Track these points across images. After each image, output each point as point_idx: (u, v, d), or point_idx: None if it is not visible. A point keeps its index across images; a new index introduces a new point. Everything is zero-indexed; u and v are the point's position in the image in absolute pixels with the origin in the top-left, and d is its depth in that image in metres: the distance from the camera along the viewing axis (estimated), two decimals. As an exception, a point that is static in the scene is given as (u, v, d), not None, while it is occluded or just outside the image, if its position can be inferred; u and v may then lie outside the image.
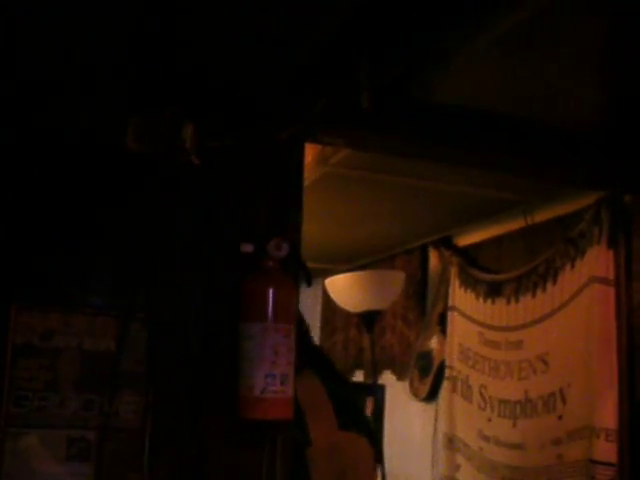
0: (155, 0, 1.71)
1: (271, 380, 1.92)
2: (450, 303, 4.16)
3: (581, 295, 3.10)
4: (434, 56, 2.01)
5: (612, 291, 2.95)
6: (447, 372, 4.14)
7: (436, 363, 4.33)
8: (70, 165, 2.00)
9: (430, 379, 4.39)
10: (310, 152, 2.78)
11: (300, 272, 2.12)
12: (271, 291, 1.95)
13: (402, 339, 4.71)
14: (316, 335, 6.08)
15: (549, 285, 3.35)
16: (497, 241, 3.89)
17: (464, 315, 4.00)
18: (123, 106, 1.97)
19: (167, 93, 1.98)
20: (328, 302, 5.45)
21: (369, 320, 3.74)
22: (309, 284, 2.12)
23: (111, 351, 1.98)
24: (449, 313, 4.16)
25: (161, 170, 1.93)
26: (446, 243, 4.30)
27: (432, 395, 4.40)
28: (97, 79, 1.99)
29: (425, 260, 4.57)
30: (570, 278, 3.20)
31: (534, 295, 3.44)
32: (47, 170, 1.98)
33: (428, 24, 1.86)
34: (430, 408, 4.42)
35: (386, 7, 1.81)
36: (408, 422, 4.71)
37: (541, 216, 3.52)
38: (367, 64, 1.95)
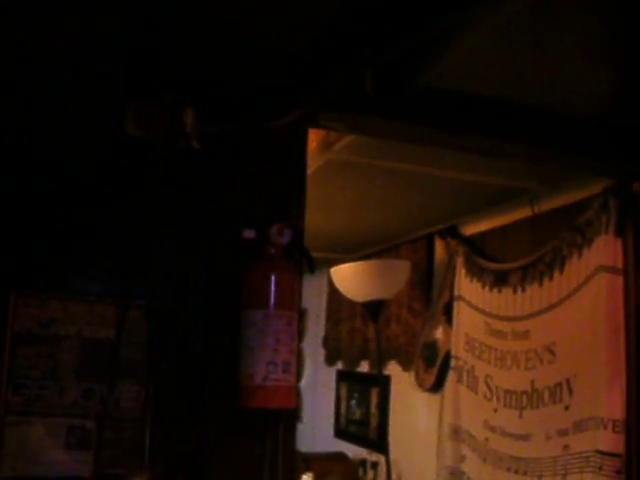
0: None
1: (273, 368, 1.90)
2: (456, 293, 4.13)
3: (589, 284, 3.07)
4: (438, 39, 1.99)
5: (620, 280, 2.92)
6: (453, 362, 4.12)
7: (442, 353, 4.31)
8: (68, 151, 1.97)
9: (435, 369, 4.37)
10: (314, 138, 2.76)
11: (303, 259, 2.09)
12: (273, 278, 1.93)
13: (407, 329, 4.69)
14: (322, 325, 6.09)
15: (556, 274, 3.31)
16: (503, 230, 3.86)
17: (470, 305, 3.97)
18: (122, 92, 1.94)
19: (166, 79, 1.96)
20: (333, 292, 5.45)
21: (374, 310, 3.72)
22: (312, 271, 2.09)
23: (111, 339, 1.96)
24: (455, 303, 4.14)
25: (162, 155, 1.90)
26: (452, 232, 4.28)
27: (437, 385, 4.38)
28: (95, 67, 1.96)
29: (431, 249, 4.55)
30: (577, 267, 3.17)
31: (541, 284, 3.41)
32: (45, 157, 1.96)
33: (432, 7, 1.83)
34: (435, 399, 4.40)
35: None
36: (413, 413, 4.70)
37: (548, 205, 3.49)
38: (370, 47, 1.92)
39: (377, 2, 1.81)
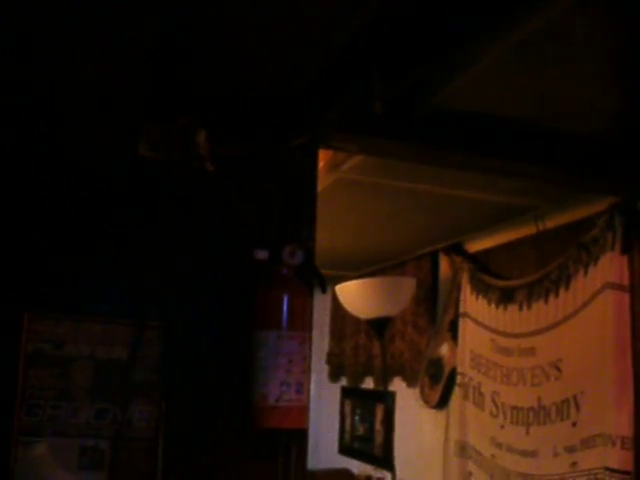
0: (173, 15, 1.70)
1: (286, 388, 1.91)
2: (461, 309, 4.14)
3: (595, 301, 3.07)
4: (448, 66, 2.01)
5: (627, 297, 2.93)
6: (458, 379, 4.12)
7: (447, 370, 4.31)
8: (84, 174, 1.99)
9: (441, 386, 4.37)
10: (322, 158, 2.77)
11: (314, 279, 2.10)
12: (285, 299, 1.94)
13: (412, 346, 4.69)
14: (325, 342, 6.08)
15: (562, 291, 3.32)
16: (508, 247, 3.87)
17: (476, 321, 3.98)
18: (138, 115, 1.96)
19: (181, 101, 1.97)
20: (337, 308, 5.45)
21: (380, 327, 3.71)
22: (324, 291, 2.11)
23: (123, 360, 1.97)
24: (460, 319, 4.14)
25: (175, 177, 1.92)
26: (457, 249, 4.28)
27: (443, 402, 4.38)
28: (113, 89, 1.98)
29: (435, 266, 4.56)
30: (583, 284, 3.17)
31: (547, 301, 3.42)
32: (62, 180, 1.97)
33: (442, 35, 1.85)
34: (441, 415, 4.40)
35: (400, 19, 1.80)
36: (419, 429, 4.69)
37: (553, 222, 3.49)
38: (380, 73, 1.95)
39: (390, 31, 1.83)
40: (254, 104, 2.07)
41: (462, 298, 4.15)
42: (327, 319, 6.05)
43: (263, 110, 2.08)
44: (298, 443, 2.04)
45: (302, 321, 1.97)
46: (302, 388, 1.93)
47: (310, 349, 1.98)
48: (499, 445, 3.67)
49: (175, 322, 1.99)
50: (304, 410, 1.96)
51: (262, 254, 1.98)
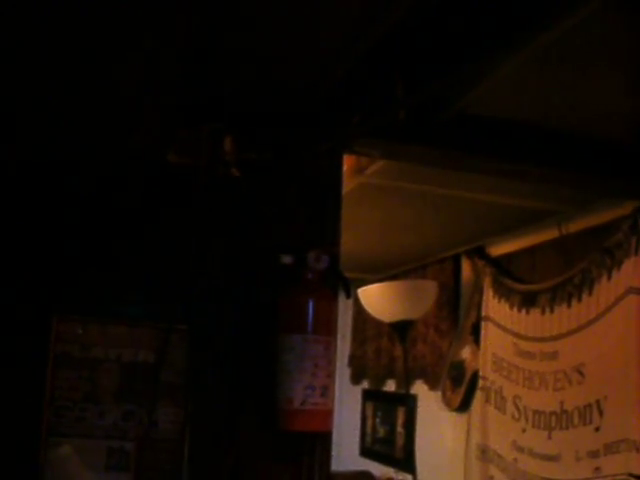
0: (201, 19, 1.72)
1: (311, 392, 1.92)
2: (483, 313, 4.13)
3: (618, 306, 3.06)
4: (471, 74, 2.02)
5: (650, 302, 2.92)
6: (480, 382, 4.11)
7: (469, 373, 4.31)
8: (110, 179, 2.02)
9: (462, 389, 4.37)
10: (346, 162, 2.78)
11: (339, 284, 2.12)
12: (311, 303, 1.96)
13: (434, 349, 4.69)
14: (347, 344, 6.09)
15: (585, 295, 3.31)
16: (531, 251, 3.86)
17: (498, 325, 3.97)
18: (166, 121, 1.98)
19: (209, 108, 1.99)
20: (359, 311, 5.45)
21: (402, 330, 3.72)
22: (348, 296, 2.13)
23: (149, 362, 1.99)
24: (483, 323, 4.13)
25: (202, 182, 1.94)
26: (479, 253, 4.28)
27: (464, 405, 4.37)
28: (143, 97, 2.00)
29: (458, 269, 4.55)
30: (606, 289, 3.16)
31: (569, 305, 3.41)
32: (88, 185, 2.00)
33: (464, 43, 1.86)
34: (462, 418, 4.39)
35: (424, 25, 1.82)
36: (440, 432, 4.69)
37: (576, 226, 3.48)
38: (403, 80, 1.96)
39: (414, 39, 1.84)
40: (279, 110, 2.09)
41: (484, 301, 4.14)
42: (349, 322, 6.05)
43: (288, 115, 2.10)
44: (322, 445, 2.06)
45: (327, 325, 1.99)
46: (327, 392, 1.95)
47: (335, 353, 1.99)
48: (521, 449, 3.66)
49: (200, 325, 2.01)
50: (329, 413, 1.97)
51: (288, 259, 1.99)
